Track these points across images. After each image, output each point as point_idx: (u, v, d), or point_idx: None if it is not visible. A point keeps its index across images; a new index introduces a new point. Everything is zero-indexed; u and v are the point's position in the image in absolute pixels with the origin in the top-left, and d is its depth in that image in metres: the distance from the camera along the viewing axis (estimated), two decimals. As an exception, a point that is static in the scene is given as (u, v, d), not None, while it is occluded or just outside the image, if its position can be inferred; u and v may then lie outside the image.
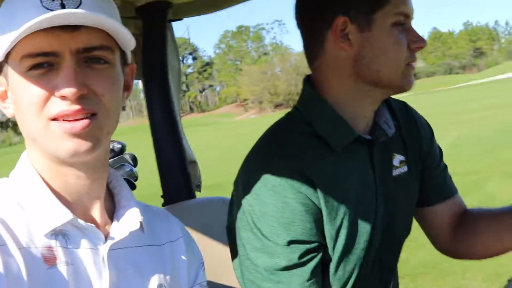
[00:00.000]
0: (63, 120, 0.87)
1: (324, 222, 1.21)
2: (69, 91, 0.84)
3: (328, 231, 1.22)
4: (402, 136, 1.38)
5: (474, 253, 1.44)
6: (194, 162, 2.22)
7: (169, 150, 2.04)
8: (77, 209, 0.95)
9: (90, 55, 0.88)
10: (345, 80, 1.25)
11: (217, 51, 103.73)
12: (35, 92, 0.86)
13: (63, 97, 0.85)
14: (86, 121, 0.87)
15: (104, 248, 0.94)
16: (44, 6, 0.85)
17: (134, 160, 2.88)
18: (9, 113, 0.95)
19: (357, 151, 1.27)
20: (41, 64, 0.86)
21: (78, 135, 0.87)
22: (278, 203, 1.17)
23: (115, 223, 1.00)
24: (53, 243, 0.90)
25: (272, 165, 1.20)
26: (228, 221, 1.32)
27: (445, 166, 1.48)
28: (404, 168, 1.37)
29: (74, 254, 0.91)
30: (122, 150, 2.87)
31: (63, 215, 0.90)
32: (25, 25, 0.80)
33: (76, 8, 0.86)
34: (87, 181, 0.95)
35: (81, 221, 0.92)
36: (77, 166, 0.93)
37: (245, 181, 1.24)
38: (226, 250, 1.39)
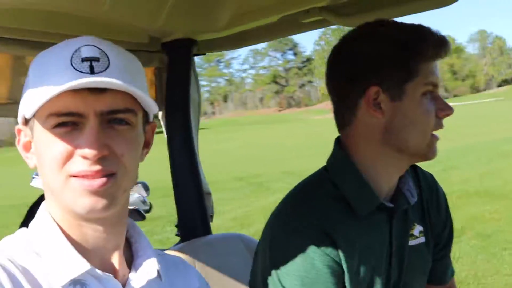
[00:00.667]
0: (82, 177, 0.89)
1: (346, 284, 1.23)
2: (90, 152, 0.87)
3: None
4: (422, 206, 1.40)
5: None
6: (208, 194, 2.24)
7: (187, 184, 2.05)
8: (95, 259, 0.95)
9: (113, 117, 0.91)
10: (374, 147, 1.27)
11: (316, 47, 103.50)
12: (58, 149, 0.89)
13: (85, 157, 0.88)
14: (104, 180, 0.89)
15: None
16: (74, 68, 0.88)
17: (146, 188, 2.88)
18: (31, 163, 0.98)
19: (378, 218, 1.29)
20: (66, 123, 0.89)
21: (96, 192, 0.89)
22: (304, 263, 1.19)
23: (133, 272, 1.00)
24: None
25: (300, 224, 1.21)
26: (252, 270, 1.33)
27: (450, 249, 1.51)
28: (422, 239, 1.38)
29: None
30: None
31: (81, 265, 0.91)
32: (57, 89, 0.84)
33: (105, 70, 0.90)
34: (104, 234, 0.97)
35: (98, 271, 0.93)
36: (94, 221, 0.95)
37: (273, 236, 1.26)
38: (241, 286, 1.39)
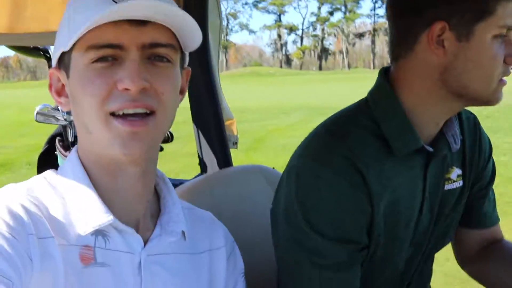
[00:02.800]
0: (123, 115, 0.86)
1: (373, 226, 1.18)
2: (133, 84, 0.84)
3: (373, 236, 1.19)
4: (464, 150, 1.33)
5: (493, 285, 1.43)
6: (231, 120, 2.18)
7: (207, 117, 2.00)
8: (120, 210, 0.94)
9: (154, 52, 0.89)
10: (428, 85, 1.17)
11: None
12: (98, 84, 0.86)
13: (126, 90, 0.85)
14: (144, 120, 0.87)
15: (142, 253, 0.94)
16: (114, 1, 0.85)
17: (171, 136, 2.88)
18: (65, 107, 0.96)
19: (414, 159, 1.22)
20: (106, 58, 0.86)
21: (136, 133, 0.87)
22: (331, 198, 1.14)
23: (157, 229, 0.99)
24: (92, 242, 0.90)
25: (331, 156, 1.16)
26: (274, 198, 1.27)
27: (493, 194, 1.45)
28: (460, 183, 1.32)
29: (111, 255, 0.91)
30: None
31: (104, 216, 0.90)
32: (94, 18, 0.81)
33: None
34: (135, 181, 0.95)
35: (121, 224, 0.92)
36: (128, 164, 0.92)
37: (300, 168, 1.19)
38: (262, 220, 1.37)
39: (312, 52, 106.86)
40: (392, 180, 1.19)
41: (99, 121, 0.87)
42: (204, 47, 2.03)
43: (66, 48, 0.89)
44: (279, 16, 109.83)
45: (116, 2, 0.85)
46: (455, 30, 1.11)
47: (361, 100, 1.27)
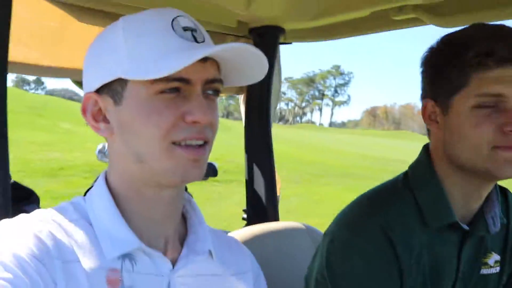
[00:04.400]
0: (186, 145, 0.89)
1: None
2: (205, 117, 0.88)
3: None
4: (507, 235, 1.30)
5: None
6: (277, 181, 2.24)
7: (261, 171, 2.07)
8: (149, 234, 0.95)
9: (212, 87, 0.92)
10: (441, 162, 1.22)
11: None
12: (165, 115, 0.87)
13: (195, 123, 0.88)
14: (204, 148, 0.91)
15: (170, 276, 0.95)
16: (177, 35, 0.89)
17: (214, 171, 2.91)
18: (104, 133, 0.95)
19: (449, 236, 1.21)
20: (172, 90, 0.88)
21: (197, 160, 0.90)
22: (363, 268, 1.15)
23: (184, 249, 0.99)
24: (119, 265, 0.90)
25: (367, 227, 1.18)
26: (308, 269, 1.30)
27: None
28: (496, 269, 1.28)
29: (139, 279, 0.91)
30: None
31: (132, 242, 0.91)
32: (179, 65, 0.83)
33: (203, 40, 0.92)
34: (168, 206, 0.97)
35: (148, 248, 0.92)
36: (167, 191, 0.95)
37: (336, 234, 1.22)
38: (302, 276, 1.39)
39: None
40: (424, 257, 1.18)
41: (161, 151, 0.88)
42: (266, 107, 2.14)
43: (130, 77, 0.88)
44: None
45: (180, 37, 0.88)
46: (440, 105, 1.18)
47: (403, 172, 1.30)
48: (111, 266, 0.89)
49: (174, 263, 0.96)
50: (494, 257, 1.28)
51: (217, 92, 0.94)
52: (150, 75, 0.85)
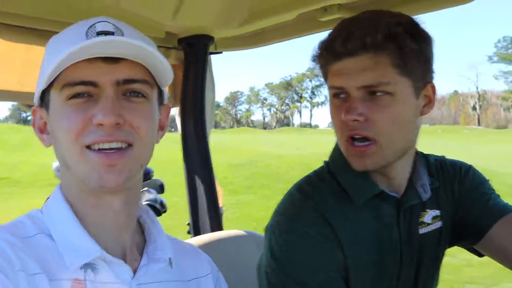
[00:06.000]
0: (99, 149, 0.88)
1: (348, 273, 1.21)
2: (106, 119, 0.86)
3: (354, 284, 1.22)
4: (436, 192, 1.36)
5: None
6: (219, 191, 2.23)
7: (201, 182, 2.05)
8: (107, 242, 0.95)
9: (129, 88, 0.91)
10: None
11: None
12: (73, 119, 0.88)
13: (100, 125, 0.87)
14: (121, 152, 0.89)
15: (132, 283, 0.94)
16: (87, 39, 0.88)
17: (161, 187, 2.86)
18: (46, 144, 0.98)
19: (384, 208, 1.26)
20: (81, 95, 0.89)
21: (113, 165, 0.89)
22: (306, 250, 1.18)
23: (144, 258, 1.00)
24: (82, 275, 0.90)
25: (302, 213, 1.22)
26: (257, 268, 1.31)
27: (489, 192, 1.39)
28: (437, 224, 1.34)
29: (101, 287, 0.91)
30: (147, 175, 2.85)
31: (93, 251, 0.91)
32: (66, 53, 0.83)
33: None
34: (118, 212, 0.96)
35: (109, 256, 0.92)
36: (108, 197, 0.94)
37: (274, 226, 1.25)
38: (252, 284, 1.37)
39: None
40: (360, 231, 1.23)
41: (75, 155, 0.89)
42: (201, 117, 2.12)
43: (44, 86, 0.91)
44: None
45: (88, 39, 0.88)
46: None
47: (324, 162, 1.36)
48: (75, 276, 0.89)
49: (134, 271, 0.96)
50: (430, 214, 1.33)
51: (141, 94, 0.92)
52: (44, 80, 0.89)
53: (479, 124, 79.20)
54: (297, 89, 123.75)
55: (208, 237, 1.77)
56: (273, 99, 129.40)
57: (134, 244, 1.01)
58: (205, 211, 2.04)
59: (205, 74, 2.12)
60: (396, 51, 1.13)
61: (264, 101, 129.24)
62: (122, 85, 0.89)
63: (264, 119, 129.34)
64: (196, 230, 2.06)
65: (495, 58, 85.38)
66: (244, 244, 1.77)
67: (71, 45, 0.84)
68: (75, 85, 0.88)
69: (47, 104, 0.94)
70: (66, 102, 0.89)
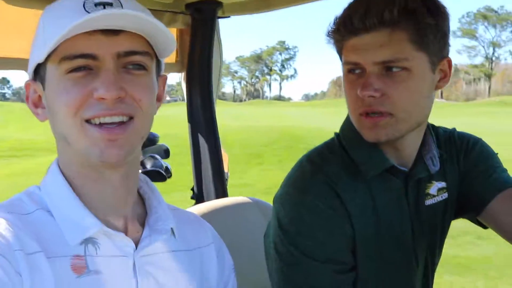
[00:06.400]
0: (100, 124, 0.87)
1: (357, 246, 1.23)
2: (108, 93, 0.85)
3: (362, 256, 1.24)
4: (443, 164, 1.36)
5: None
6: (224, 157, 2.23)
7: (206, 148, 2.05)
8: (107, 216, 0.95)
9: (130, 60, 0.89)
10: None
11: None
12: (73, 93, 0.87)
13: (102, 99, 0.86)
14: (123, 126, 0.88)
15: (135, 255, 0.95)
16: (86, 11, 0.86)
17: (166, 152, 2.86)
18: (42, 118, 0.96)
19: (392, 181, 1.27)
20: (80, 68, 0.87)
21: (115, 140, 0.88)
22: (315, 222, 1.19)
23: (146, 230, 0.99)
24: (82, 251, 0.90)
25: (312, 184, 1.23)
26: (264, 236, 1.34)
27: (494, 166, 1.39)
28: (443, 195, 1.36)
29: (103, 262, 0.91)
30: (153, 141, 2.84)
31: (92, 225, 0.91)
32: (67, 27, 0.81)
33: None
34: (118, 186, 0.95)
35: (110, 230, 0.92)
36: (108, 171, 0.93)
37: (284, 197, 1.26)
38: (256, 251, 1.40)
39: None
40: (369, 204, 1.24)
41: (75, 129, 0.88)
42: (207, 82, 2.11)
43: (41, 60, 0.89)
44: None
45: (88, 12, 0.85)
46: None
47: (334, 134, 1.36)
48: (75, 252, 0.88)
49: (136, 243, 0.96)
50: (435, 186, 1.34)
51: (142, 66, 0.91)
52: (42, 54, 0.86)
53: (441, 97, 79.58)
54: (267, 62, 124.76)
55: (212, 203, 1.79)
56: (243, 72, 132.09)
57: (135, 216, 1.01)
58: (210, 177, 2.05)
59: (212, 39, 2.09)
60: (414, 27, 1.13)
61: (235, 74, 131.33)
62: (122, 57, 0.88)
63: (234, 92, 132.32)
64: (200, 196, 2.08)
65: (459, 33, 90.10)
66: (249, 211, 1.79)
67: (69, 19, 0.83)
68: (74, 58, 0.86)
69: (42, 78, 0.92)
70: (65, 75, 0.87)
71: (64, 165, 0.96)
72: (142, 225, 1.01)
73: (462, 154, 1.40)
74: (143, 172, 2.33)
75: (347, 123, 1.31)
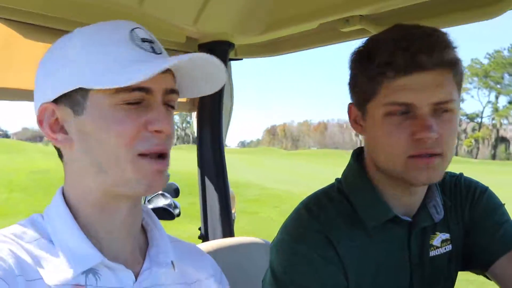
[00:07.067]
0: (149, 157, 0.90)
1: None
2: (165, 126, 0.89)
3: None
4: (446, 213, 1.31)
5: None
6: (232, 198, 2.23)
7: (215, 189, 2.05)
8: (109, 246, 0.95)
9: (170, 98, 0.94)
10: (371, 165, 1.25)
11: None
12: (127, 125, 0.88)
13: (158, 133, 0.89)
14: (166, 160, 0.92)
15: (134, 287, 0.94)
16: (138, 46, 0.90)
17: (176, 191, 2.87)
18: (61, 143, 0.94)
19: (394, 232, 1.23)
20: (134, 99, 0.88)
21: (161, 172, 0.91)
22: (308, 273, 1.16)
23: (147, 262, 0.99)
24: (83, 281, 0.89)
25: (307, 234, 1.20)
26: (265, 274, 1.30)
27: (502, 221, 1.33)
28: (447, 247, 1.30)
29: None
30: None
31: (93, 257, 0.90)
32: (148, 72, 0.84)
33: (161, 52, 0.93)
34: (126, 217, 0.97)
35: (110, 262, 0.91)
36: (125, 201, 0.95)
37: (279, 245, 1.24)
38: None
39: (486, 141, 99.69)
40: (367, 254, 1.20)
41: (125, 161, 0.88)
42: (217, 123, 2.12)
43: (94, 87, 0.87)
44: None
45: (141, 48, 0.90)
46: (359, 111, 1.21)
47: (336, 179, 1.33)
48: (75, 282, 0.88)
49: (136, 275, 0.96)
50: (439, 237, 1.29)
51: (173, 105, 0.96)
52: (117, 83, 0.85)
53: None
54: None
55: (219, 242, 1.77)
56: (175, 117, 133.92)
57: (137, 246, 1.01)
58: (217, 217, 2.04)
59: (224, 80, 2.12)
60: (457, 69, 1.13)
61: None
62: (167, 94, 0.92)
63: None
64: (207, 235, 2.06)
65: None
66: (254, 251, 1.77)
67: (124, 52, 0.88)
68: (133, 91, 0.87)
69: (78, 103, 0.90)
70: (117, 106, 0.87)
71: (74, 195, 0.95)
72: (143, 256, 1.00)
73: (468, 204, 1.34)
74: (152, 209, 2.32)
75: (351, 169, 1.29)
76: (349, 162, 1.31)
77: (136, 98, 0.88)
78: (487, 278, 1.34)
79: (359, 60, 1.19)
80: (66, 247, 0.91)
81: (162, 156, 0.91)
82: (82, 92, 0.89)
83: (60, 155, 0.97)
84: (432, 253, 1.28)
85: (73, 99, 0.90)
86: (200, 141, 2.14)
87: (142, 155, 0.89)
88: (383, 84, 1.12)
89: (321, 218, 1.21)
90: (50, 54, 0.95)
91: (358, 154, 1.32)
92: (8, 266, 0.82)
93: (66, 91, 0.90)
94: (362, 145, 1.31)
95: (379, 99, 1.13)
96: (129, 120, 0.88)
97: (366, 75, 1.15)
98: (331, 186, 1.32)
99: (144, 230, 1.06)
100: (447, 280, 1.33)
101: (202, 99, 2.13)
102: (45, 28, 1.59)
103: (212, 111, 2.13)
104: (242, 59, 2.29)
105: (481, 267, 1.31)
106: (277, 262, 1.21)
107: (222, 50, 2.05)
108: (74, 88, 0.89)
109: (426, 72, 1.09)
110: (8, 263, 0.83)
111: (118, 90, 0.87)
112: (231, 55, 2.16)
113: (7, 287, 0.80)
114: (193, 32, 1.97)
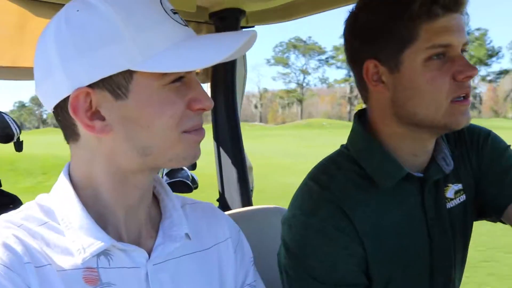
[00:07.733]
0: (193, 131, 0.90)
1: (370, 265, 1.18)
2: (210, 104, 0.90)
3: (377, 275, 1.19)
4: (456, 165, 1.29)
5: None
6: (250, 168, 2.22)
7: (230, 157, 2.04)
8: (120, 225, 0.93)
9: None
10: (389, 122, 1.20)
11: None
12: (178, 104, 0.86)
13: (201, 110, 0.89)
14: (203, 129, 0.93)
15: (147, 265, 0.92)
16: (171, 18, 0.86)
17: (194, 164, 2.87)
18: (98, 131, 0.85)
19: (407, 190, 1.22)
20: (179, 78, 0.87)
21: (200, 141, 0.92)
22: (322, 245, 1.15)
23: (160, 236, 0.97)
24: (95, 263, 0.87)
25: (318, 206, 1.18)
26: (278, 253, 1.29)
27: (508, 165, 1.32)
28: (461, 198, 1.29)
29: (116, 274, 0.89)
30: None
31: (103, 242, 0.87)
32: (218, 57, 0.82)
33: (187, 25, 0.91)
34: (143, 190, 0.95)
35: (121, 244, 0.89)
36: (148, 172, 0.93)
37: (291, 219, 1.22)
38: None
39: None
40: (383, 218, 1.19)
41: (174, 141, 0.87)
42: (231, 92, 2.11)
43: (143, 69, 0.81)
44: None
45: (177, 22, 0.86)
46: (385, 64, 1.15)
47: (341, 146, 1.31)
48: (87, 265, 0.86)
49: (149, 251, 0.93)
50: (452, 188, 1.29)
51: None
52: (184, 67, 0.81)
53: (260, 121, 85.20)
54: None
55: (238, 211, 1.77)
56: None
57: (149, 219, 0.98)
58: (235, 187, 2.04)
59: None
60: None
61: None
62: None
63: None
64: (225, 205, 2.06)
65: (273, 61, 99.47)
66: (275, 219, 1.76)
67: (165, 28, 0.84)
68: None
69: (120, 87, 0.82)
70: (165, 86, 0.84)
71: (91, 177, 0.91)
72: (156, 228, 0.98)
73: (474, 152, 1.33)
74: (169, 183, 2.33)
75: (357, 133, 1.27)
76: (352, 126, 1.29)
77: (180, 76, 0.87)
78: (503, 223, 1.34)
79: (393, 4, 1.12)
80: (74, 232, 0.88)
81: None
82: (125, 75, 0.82)
83: (71, 138, 0.91)
84: (449, 205, 1.27)
85: (114, 82, 0.82)
86: (214, 111, 2.13)
87: (186, 131, 0.88)
88: (426, 25, 1.09)
89: (332, 187, 1.19)
90: (76, 30, 0.82)
91: (360, 117, 1.29)
92: (15, 254, 0.81)
93: (109, 74, 0.81)
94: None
95: (419, 44, 1.10)
96: (177, 99, 0.86)
97: (406, 18, 1.10)
98: (337, 153, 1.29)
99: (156, 200, 1.03)
100: (465, 231, 1.32)
101: (215, 68, 2.11)
102: (56, 5, 1.57)
103: (225, 80, 2.11)
104: (254, 27, 2.25)
105: (495, 214, 1.30)
106: (290, 237, 1.20)
107: (233, 18, 2.02)
108: (122, 70, 0.81)
109: (458, 13, 1.10)
110: (16, 251, 0.81)
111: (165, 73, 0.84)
112: (243, 23, 2.12)
113: (16, 276, 0.79)
114: (203, 1, 1.94)
